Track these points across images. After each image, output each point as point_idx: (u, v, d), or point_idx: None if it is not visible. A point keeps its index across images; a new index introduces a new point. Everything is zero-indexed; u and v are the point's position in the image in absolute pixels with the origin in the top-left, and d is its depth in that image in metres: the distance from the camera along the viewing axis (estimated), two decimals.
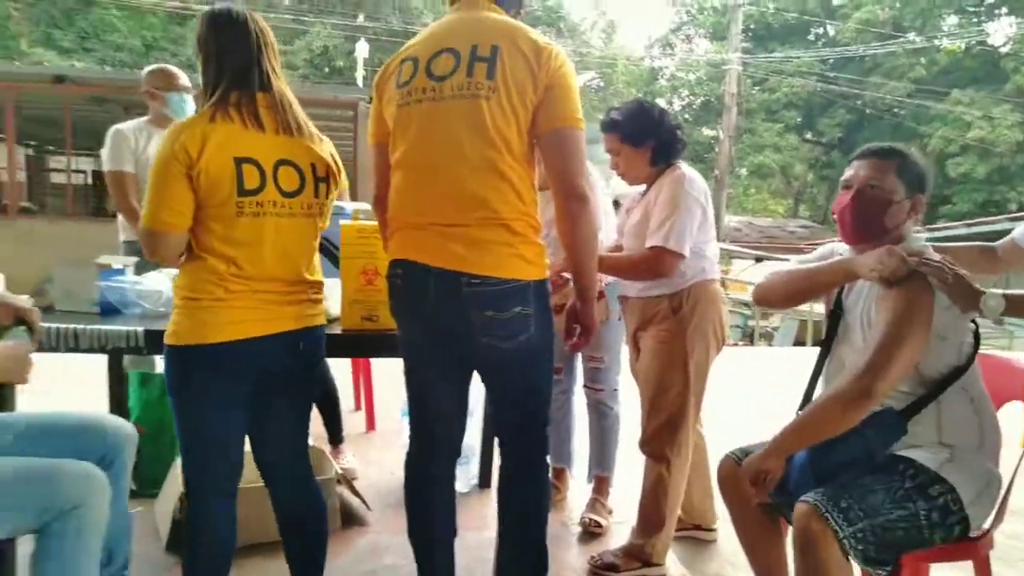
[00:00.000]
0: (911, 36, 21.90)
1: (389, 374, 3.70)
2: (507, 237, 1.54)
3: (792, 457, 1.65)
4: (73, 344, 1.93)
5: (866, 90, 22.43)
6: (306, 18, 21.93)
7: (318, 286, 1.73)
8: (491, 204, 1.52)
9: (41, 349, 1.93)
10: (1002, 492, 1.60)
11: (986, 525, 1.59)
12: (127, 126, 3.07)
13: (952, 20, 23.33)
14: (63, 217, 10.30)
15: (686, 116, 27.11)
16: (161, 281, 2.25)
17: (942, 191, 21.00)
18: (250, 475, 1.79)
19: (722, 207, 17.98)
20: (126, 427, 1.77)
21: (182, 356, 1.55)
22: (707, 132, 25.50)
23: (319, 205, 1.66)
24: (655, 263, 2.10)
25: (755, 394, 5.23)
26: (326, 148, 1.69)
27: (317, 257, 1.74)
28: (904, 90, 21.71)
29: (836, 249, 1.87)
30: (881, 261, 1.56)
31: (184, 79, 3.11)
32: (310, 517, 1.80)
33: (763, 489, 1.61)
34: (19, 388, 1.85)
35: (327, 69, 22.13)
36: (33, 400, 2.15)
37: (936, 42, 21.16)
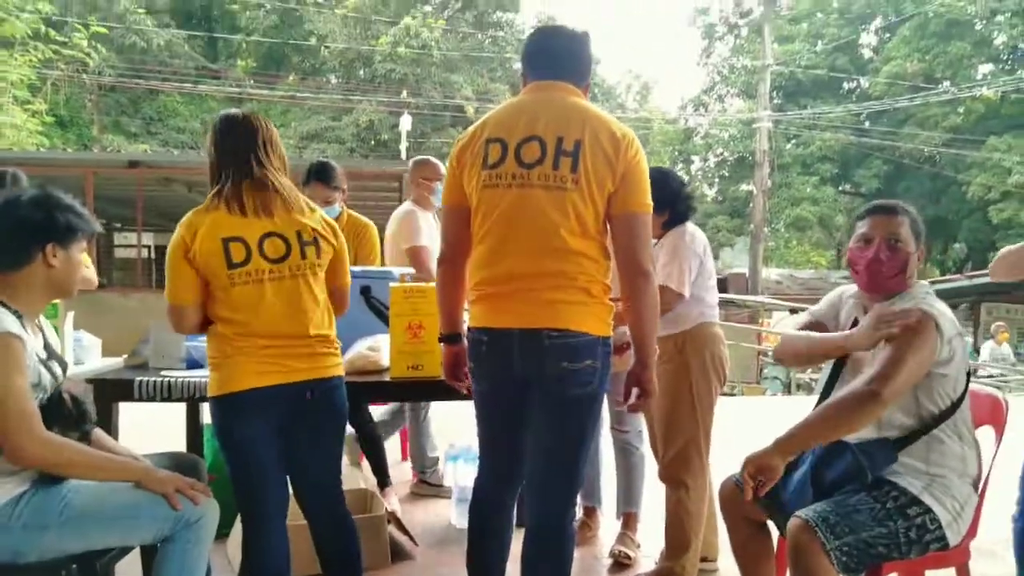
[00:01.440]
0: (945, 85, 21.90)
1: (434, 427, 3.98)
2: (583, 298, 1.72)
3: (792, 473, 1.82)
4: (167, 394, 2.27)
5: (901, 141, 22.40)
6: (354, 96, 23.20)
7: (327, 340, 1.93)
8: (569, 274, 1.71)
9: (141, 399, 2.30)
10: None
11: (961, 537, 1.77)
12: (412, 208, 3.41)
13: (986, 68, 23.30)
14: (131, 289, 11.05)
15: (723, 172, 27.35)
16: None
17: (988, 237, 20.60)
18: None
19: (758, 260, 17.97)
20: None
21: (216, 405, 1.86)
22: (744, 187, 25.66)
23: (308, 265, 1.87)
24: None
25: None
26: (316, 216, 1.92)
27: (326, 313, 1.94)
28: (939, 139, 21.63)
29: (845, 293, 2.04)
30: (877, 329, 1.74)
31: (443, 168, 3.47)
32: (341, 549, 2.00)
33: (761, 487, 1.67)
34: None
35: (373, 142, 23.18)
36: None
37: (969, 92, 21.07)
